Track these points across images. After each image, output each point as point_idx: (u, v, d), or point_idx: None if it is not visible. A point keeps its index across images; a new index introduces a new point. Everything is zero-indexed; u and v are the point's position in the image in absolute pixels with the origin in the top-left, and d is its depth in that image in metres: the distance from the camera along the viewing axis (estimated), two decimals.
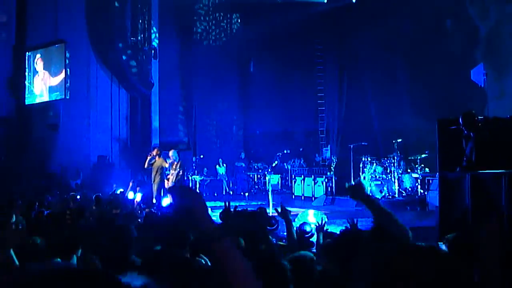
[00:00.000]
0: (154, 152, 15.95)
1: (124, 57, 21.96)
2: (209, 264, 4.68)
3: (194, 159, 22.20)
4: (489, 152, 7.70)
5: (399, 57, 19.58)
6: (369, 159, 18.14)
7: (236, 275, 1.85)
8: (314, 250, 5.84)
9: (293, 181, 21.24)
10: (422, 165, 17.68)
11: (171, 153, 16.46)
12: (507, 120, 8.69)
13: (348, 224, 5.89)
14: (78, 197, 13.06)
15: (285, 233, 6.64)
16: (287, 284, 3.52)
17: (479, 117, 8.27)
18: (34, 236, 5.36)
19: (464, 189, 7.72)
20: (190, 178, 18.66)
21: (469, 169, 7.85)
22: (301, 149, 24.30)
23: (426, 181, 16.50)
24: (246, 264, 1.91)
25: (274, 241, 8.13)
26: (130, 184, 16.04)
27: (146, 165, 15.97)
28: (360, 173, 18.15)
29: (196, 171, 20.33)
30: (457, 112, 8.78)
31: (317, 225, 5.89)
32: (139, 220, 9.05)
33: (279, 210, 6.16)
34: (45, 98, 23.73)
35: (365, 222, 6.80)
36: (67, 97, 22.57)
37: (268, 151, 24.21)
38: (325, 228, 5.82)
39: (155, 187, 15.48)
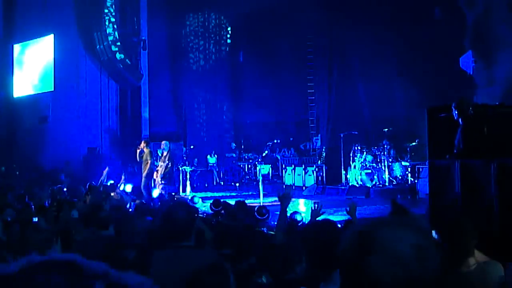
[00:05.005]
0: (142, 145, 15.92)
1: (113, 49, 21.83)
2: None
3: (184, 149, 22.17)
4: (478, 140, 7.73)
5: (389, 46, 19.58)
6: (359, 147, 18.18)
7: None
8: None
9: (283, 170, 21.26)
10: (413, 153, 17.74)
11: (163, 143, 16.46)
12: (496, 107, 8.72)
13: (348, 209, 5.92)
14: (65, 189, 13.05)
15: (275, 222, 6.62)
16: None
17: (471, 106, 8.26)
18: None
19: (454, 177, 7.75)
20: (180, 169, 18.63)
21: (458, 157, 7.88)
22: (291, 139, 24.33)
23: (416, 169, 16.56)
24: None
25: (265, 231, 8.16)
26: (123, 177, 16.04)
27: (138, 158, 15.98)
28: (351, 162, 18.20)
29: (186, 162, 20.31)
30: (446, 100, 8.79)
31: (312, 208, 5.81)
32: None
33: (280, 193, 6.02)
34: (34, 90, 23.64)
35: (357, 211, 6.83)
36: (56, 90, 22.50)
37: (259, 141, 24.22)
38: (321, 212, 5.75)
39: (143, 179, 15.46)
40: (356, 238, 1.58)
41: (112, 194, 11.58)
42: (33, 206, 9.33)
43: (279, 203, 5.94)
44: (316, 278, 3.17)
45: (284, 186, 18.69)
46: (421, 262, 1.49)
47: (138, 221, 6.72)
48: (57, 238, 4.72)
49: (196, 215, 8.15)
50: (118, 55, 21.98)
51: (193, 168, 20.33)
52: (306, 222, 7.15)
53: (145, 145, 15.83)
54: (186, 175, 18.61)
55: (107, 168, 15.64)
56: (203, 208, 12.38)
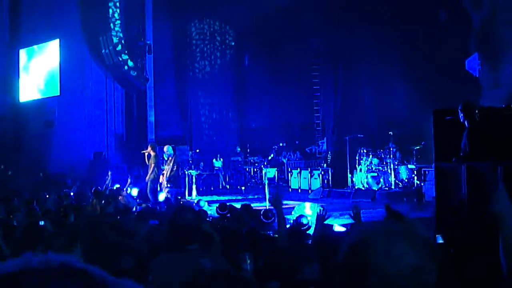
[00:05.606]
0: (148, 149, 15.92)
1: (119, 54, 21.88)
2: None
3: (190, 153, 22.18)
4: (484, 142, 7.69)
5: (393, 49, 19.54)
6: (365, 150, 18.13)
7: None
8: (310, 242, 5.83)
9: (289, 174, 21.24)
10: (419, 156, 17.67)
11: (165, 148, 16.45)
12: (502, 110, 8.69)
13: (352, 214, 5.89)
14: (72, 194, 13.05)
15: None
16: None
17: (477, 110, 8.23)
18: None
19: (460, 180, 7.72)
20: (186, 173, 18.63)
21: (464, 160, 7.84)
22: (297, 142, 24.30)
23: (422, 172, 16.49)
24: None
25: (271, 234, 8.14)
26: (129, 180, 16.03)
27: (147, 162, 15.99)
28: (356, 165, 18.16)
29: (192, 166, 20.30)
30: (452, 103, 8.75)
31: (318, 213, 5.81)
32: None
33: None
34: (40, 95, 23.70)
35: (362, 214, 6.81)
36: (62, 94, 22.56)
37: (264, 145, 24.21)
38: (326, 216, 5.77)
39: (149, 183, 15.46)
40: (350, 253, 1.55)
41: (119, 197, 11.61)
42: (40, 211, 9.34)
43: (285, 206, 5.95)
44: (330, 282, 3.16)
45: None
46: (418, 282, 1.47)
47: (140, 225, 6.71)
48: (76, 242, 4.72)
49: (205, 218, 8.16)
50: (123, 59, 22.03)
51: (199, 171, 20.33)
52: (312, 226, 7.14)
53: (151, 148, 15.82)
54: (192, 178, 18.60)
55: (110, 173, 15.69)
56: (209, 212, 12.37)
